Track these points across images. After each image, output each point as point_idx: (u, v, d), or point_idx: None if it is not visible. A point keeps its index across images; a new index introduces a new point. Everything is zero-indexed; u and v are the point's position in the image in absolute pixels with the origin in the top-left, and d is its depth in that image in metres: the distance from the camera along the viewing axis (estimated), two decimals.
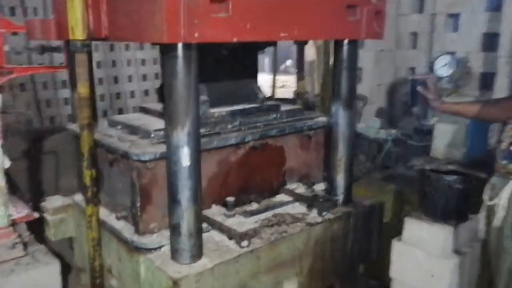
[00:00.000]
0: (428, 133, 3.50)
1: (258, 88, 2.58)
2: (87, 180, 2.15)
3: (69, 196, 2.63)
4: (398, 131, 3.74)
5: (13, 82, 5.49)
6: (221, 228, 2.10)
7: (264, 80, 5.27)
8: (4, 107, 4.95)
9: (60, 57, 5.03)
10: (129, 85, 7.20)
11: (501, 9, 4.23)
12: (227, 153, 2.28)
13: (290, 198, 2.51)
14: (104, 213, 2.29)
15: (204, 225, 2.10)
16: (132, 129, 2.25)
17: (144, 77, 7.41)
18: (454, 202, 2.28)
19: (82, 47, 2.01)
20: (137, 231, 2.07)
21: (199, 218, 1.95)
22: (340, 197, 2.54)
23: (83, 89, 2.08)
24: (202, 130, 2.20)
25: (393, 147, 3.67)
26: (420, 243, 2.29)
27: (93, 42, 2.08)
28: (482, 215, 2.39)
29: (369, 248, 2.61)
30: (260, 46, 2.46)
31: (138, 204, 2.03)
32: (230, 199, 2.15)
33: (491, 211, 2.33)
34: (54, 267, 2.31)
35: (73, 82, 2.35)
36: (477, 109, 2.42)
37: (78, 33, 1.98)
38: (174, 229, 1.91)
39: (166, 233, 2.01)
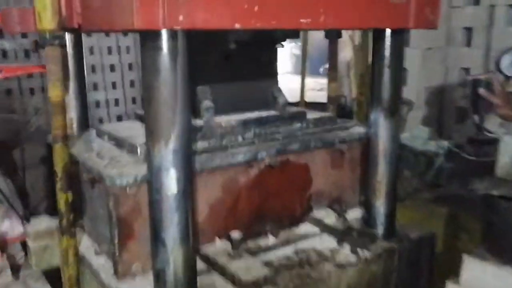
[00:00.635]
0: (490, 145, 2.90)
1: (279, 90, 2.11)
2: (62, 205, 1.74)
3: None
4: (451, 143, 3.14)
5: (43, 85, 5.15)
6: (223, 272, 1.63)
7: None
8: (35, 110, 4.72)
9: None
10: None
11: None
12: (236, 173, 1.83)
13: (316, 229, 2.06)
14: (86, 244, 1.87)
15: (204, 266, 1.64)
16: (118, 142, 1.83)
17: None
18: None
19: (53, 39, 1.62)
20: (116, 273, 1.63)
21: (191, 262, 1.48)
22: (380, 229, 2.03)
23: (55, 91, 1.69)
24: (204, 144, 1.77)
25: (445, 162, 3.09)
26: None
27: None
28: None
29: None
30: (278, 38, 1.98)
31: (116, 240, 1.59)
32: (236, 234, 1.69)
33: None
34: None
35: None
36: None
37: (46, 21, 1.59)
38: (158, 276, 1.46)
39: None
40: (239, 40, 1.83)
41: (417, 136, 3.31)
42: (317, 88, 7.74)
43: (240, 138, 1.91)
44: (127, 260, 1.61)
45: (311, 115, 2.21)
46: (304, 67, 3.86)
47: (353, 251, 1.88)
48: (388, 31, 1.84)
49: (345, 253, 1.88)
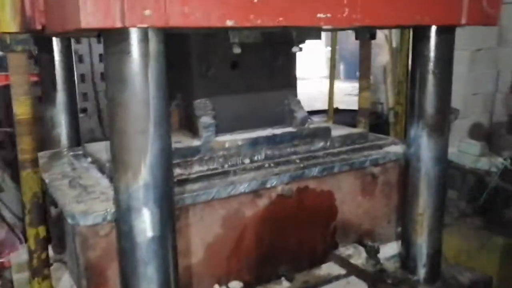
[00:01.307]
0: None
1: (296, 103, 1.78)
2: (31, 243, 1.46)
3: None
4: (507, 160, 2.72)
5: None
6: None
7: (338, 88, 4.51)
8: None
9: None
10: None
11: None
12: (240, 205, 1.51)
13: (342, 271, 1.74)
14: (65, 285, 1.59)
15: None
16: (100, 164, 1.53)
17: None
18: None
19: (15, 44, 1.34)
20: None
21: None
22: (422, 272, 1.68)
23: (21, 108, 1.40)
24: (200, 169, 1.44)
25: (501, 182, 2.66)
26: None
27: None
28: None
29: None
30: (293, 39, 1.64)
31: None
32: (236, 284, 1.35)
33: None
34: None
35: None
36: None
37: (4, 22, 1.31)
38: None
39: None
40: (246, 44, 1.50)
41: (465, 151, 2.89)
42: (353, 93, 7.42)
43: (247, 161, 1.59)
44: None
45: (337, 131, 1.88)
46: (333, 72, 3.50)
47: None
48: (433, 29, 1.49)
49: None
